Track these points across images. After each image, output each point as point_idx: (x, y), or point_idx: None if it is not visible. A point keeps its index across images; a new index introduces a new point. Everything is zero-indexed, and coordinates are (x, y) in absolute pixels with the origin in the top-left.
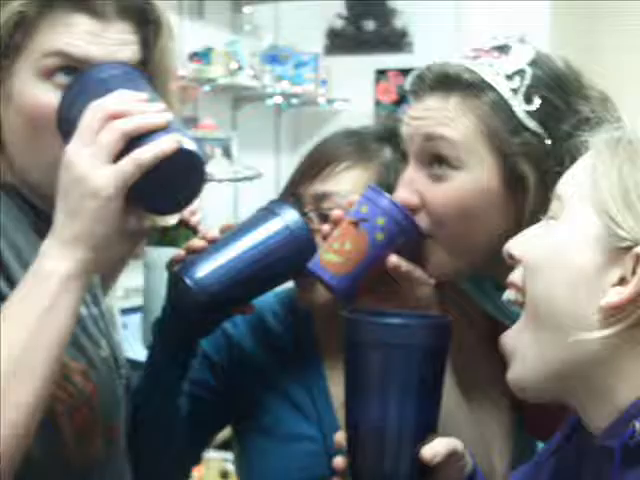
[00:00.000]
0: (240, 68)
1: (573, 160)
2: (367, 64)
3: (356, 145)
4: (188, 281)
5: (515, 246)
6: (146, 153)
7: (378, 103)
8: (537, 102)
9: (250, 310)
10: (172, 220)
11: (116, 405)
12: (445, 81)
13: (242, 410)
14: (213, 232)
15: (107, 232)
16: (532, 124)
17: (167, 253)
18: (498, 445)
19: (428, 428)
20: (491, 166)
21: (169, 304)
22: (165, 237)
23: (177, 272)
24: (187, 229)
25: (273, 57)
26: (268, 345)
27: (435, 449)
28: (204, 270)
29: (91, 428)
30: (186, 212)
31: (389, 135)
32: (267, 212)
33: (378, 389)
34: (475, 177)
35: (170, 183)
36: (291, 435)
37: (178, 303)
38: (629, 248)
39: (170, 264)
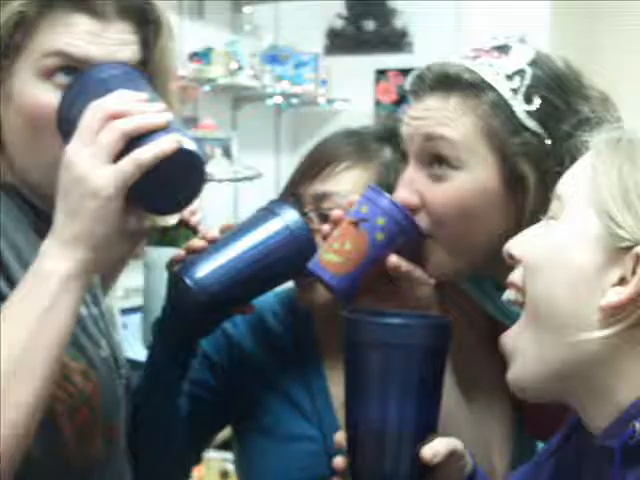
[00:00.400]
0: (240, 68)
1: (573, 160)
2: (367, 64)
3: (356, 145)
4: (188, 281)
5: (515, 246)
6: (146, 153)
7: (378, 103)
8: (537, 102)
9: (250, 310)
10: (172, 220)
11: (116, 405)
12: (445, 81)
13: (242, 410)
14: (213, 232)
15: (107, 232)
16: (532, 124)
17: (167, 253)
18: (498, 445)
19: (428, 428)
20: (491, 166)
21: (169, 304)
22: (165, 237)
23: (177, 272)
24: (187, 229)
25: (273, 57)
26: (268, 345)
27: (435, 449)
28: (204, 270)
29: (91, 428)
30: (186, 212)
31: (389, 135)
32: (267, 212)
33: (378, 389)
34: (475, 177)
35: (170, 183)
36: (291, 435)
37: (178, 303)
38: (629, 248)
39: (170, 264)
